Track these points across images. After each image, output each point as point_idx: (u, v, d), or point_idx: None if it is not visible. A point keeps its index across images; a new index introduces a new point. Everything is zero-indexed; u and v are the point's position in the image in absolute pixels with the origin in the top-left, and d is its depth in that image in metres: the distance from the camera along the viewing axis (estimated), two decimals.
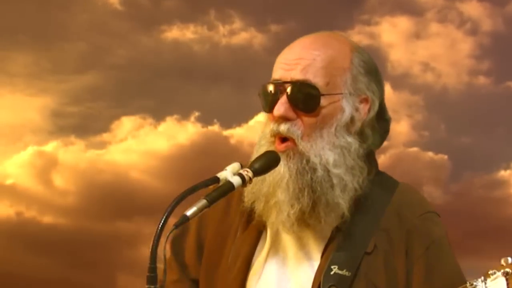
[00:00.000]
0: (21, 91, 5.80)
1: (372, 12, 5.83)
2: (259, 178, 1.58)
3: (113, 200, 5.71)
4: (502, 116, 5.40)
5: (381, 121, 1.68)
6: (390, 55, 5.77)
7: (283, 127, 1.56)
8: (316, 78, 1.56)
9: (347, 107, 1.58)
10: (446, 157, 5.41)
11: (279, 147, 1.58)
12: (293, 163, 1.56)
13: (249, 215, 1.70)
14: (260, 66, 5.61)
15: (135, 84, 5.86)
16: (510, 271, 1.35)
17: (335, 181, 1.55)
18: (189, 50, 6.00)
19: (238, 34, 5.86)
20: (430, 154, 5.47)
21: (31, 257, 5.50)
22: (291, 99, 1.56)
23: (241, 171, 1.57)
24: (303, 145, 1.56)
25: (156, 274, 1.47)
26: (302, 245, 1.65)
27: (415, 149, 5.53)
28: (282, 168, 1.56)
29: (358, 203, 1.58)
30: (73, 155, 5.74)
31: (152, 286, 1.47)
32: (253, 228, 1.69)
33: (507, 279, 1.34)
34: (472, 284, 1.40)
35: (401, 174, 5.24)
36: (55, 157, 5.71)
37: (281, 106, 1.56)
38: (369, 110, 1.62)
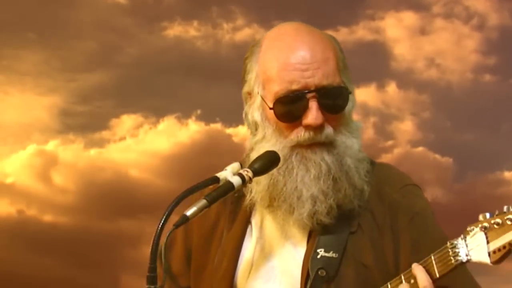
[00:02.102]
0: (30, 89, 5.80)
1: (377, 7, 5.79)
2: (286, 175, 1.62)
3: (114, 198, 5.68)
4: (508, 113, 5.36)
5: None
6: (394, 50, 5.73)
7: (321, 136, 1.59)
8: (337, 79, 1.60)
9: (351, 95, 1.65)
10: (451, 159, 5.37)
11: (318, 146, 1.61)
12: (331, 156, 1.60)
13: (233, 215, 1.74)
14: None
15: (140, 83, 5.84)
16: (488, 225, 1.33)
17: (358, 164, 1.62)
18: (192, 47, 5.97)
19: (241, 30, 5.83)
20: (433, 152, 5.44)
21: (32, 256, 5.48)
22: (323, 106, 1.58)
23: (241, 171, 1.59)
24: (336, 140, 1.61)
25: (156, 274, 1.48)
26: (286, 235, 1.67)
27: (420, 148, 5.50)
28: (325, 160, 1.59)
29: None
30: (80, 153, 5.73)
31: (152, 286, 1.47)
32: (238, 227, 1.73)
33: (485, 233, 1.33)
34: (452, 244, 1.40)
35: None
36: (63, 155, 5.71)
37: (318, 115, 1.57)
38: (353, 89, 1.69)
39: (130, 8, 5.93)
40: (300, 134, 1.61)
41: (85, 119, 5.84)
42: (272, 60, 1.67)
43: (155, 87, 5.82)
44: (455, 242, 1.40)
